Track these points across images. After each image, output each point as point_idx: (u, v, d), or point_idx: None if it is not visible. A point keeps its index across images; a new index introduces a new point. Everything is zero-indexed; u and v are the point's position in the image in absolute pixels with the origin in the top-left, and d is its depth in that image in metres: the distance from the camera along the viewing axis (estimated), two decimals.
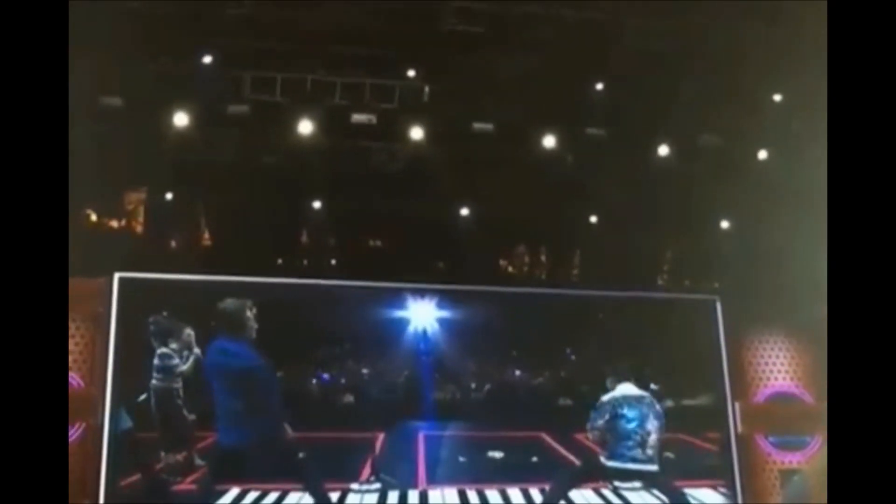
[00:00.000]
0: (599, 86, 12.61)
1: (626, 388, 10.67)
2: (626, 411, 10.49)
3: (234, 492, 10.24)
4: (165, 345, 10.02)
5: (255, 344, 9.21)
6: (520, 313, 12.34)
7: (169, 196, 13.53)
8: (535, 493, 10.75)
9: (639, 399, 10.64)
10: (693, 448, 12.18)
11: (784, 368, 12.46)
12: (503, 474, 11.19)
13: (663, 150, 12.72)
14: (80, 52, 9.06)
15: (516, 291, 13.11)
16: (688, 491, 11.59)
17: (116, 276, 10.80)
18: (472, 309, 12.73)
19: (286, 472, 9.48)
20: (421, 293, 12.32)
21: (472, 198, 13.50)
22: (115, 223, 13.76)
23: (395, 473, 10.65)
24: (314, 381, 12.51)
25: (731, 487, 11.91)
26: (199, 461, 10.17)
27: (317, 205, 13.75)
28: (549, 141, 12.70)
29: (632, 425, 10.43)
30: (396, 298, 11.91)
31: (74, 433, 10.45)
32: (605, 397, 10.54)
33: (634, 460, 10.38)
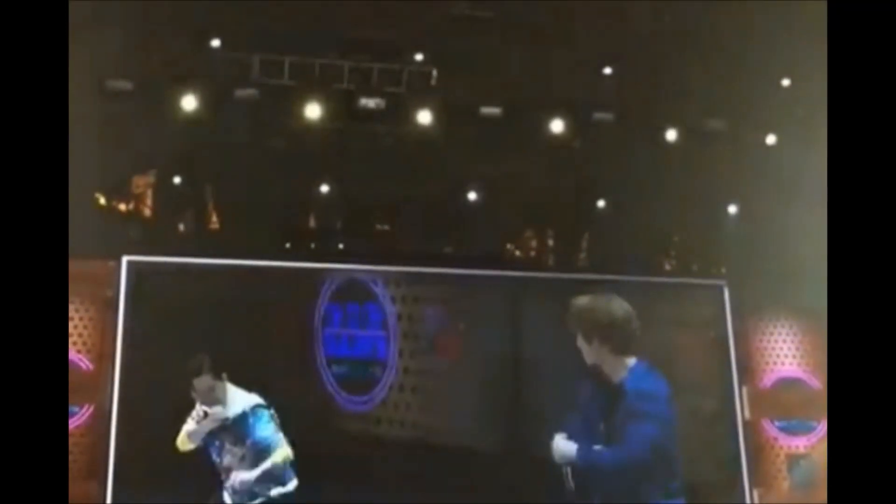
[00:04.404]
0: (607, 70, 12.59)
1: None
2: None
3: None
4: None
5: None
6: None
7: (177, 179, 13.57)
8: None
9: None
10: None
11: (791, 353, 12.45)
12: None
13: (671, 135, 12.69)
14: (90, 36, 9.10)
15: (524, 276, 13.15)
16: None
17: (125, 259, 10.85)
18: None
19: None
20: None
21: (479, 182, 13.51)
22: (123, 206, 13.82)
23: None
24: None
25: (739, 471, 11.93)
26: None
27: (325, 188, 13.77)
28: (557, 125, 12.68)
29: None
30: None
31: (83, 415, 10.52)
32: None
33: None
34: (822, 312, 4.11)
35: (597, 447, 4.87)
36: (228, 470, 7.26)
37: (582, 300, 5.06)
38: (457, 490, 11.41)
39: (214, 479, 7.49)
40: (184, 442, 7.33)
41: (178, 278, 11.50)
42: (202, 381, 7.09)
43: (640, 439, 4.76)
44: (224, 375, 7.22)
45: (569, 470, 4.93)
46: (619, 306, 5.01)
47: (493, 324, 13.16)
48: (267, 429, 7.14)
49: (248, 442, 7.15)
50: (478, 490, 11.43)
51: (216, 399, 7.15)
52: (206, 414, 7.18)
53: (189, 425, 7.29)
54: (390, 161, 13.07)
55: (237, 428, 7.17)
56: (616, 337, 4.94)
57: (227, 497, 7.34)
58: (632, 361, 4.98)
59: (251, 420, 7.12)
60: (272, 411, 7.29)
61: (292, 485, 7.33)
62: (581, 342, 5.01)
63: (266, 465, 7.09)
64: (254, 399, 7.25)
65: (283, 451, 7.16)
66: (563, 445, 4.94)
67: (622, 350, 4.96)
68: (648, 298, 12.66)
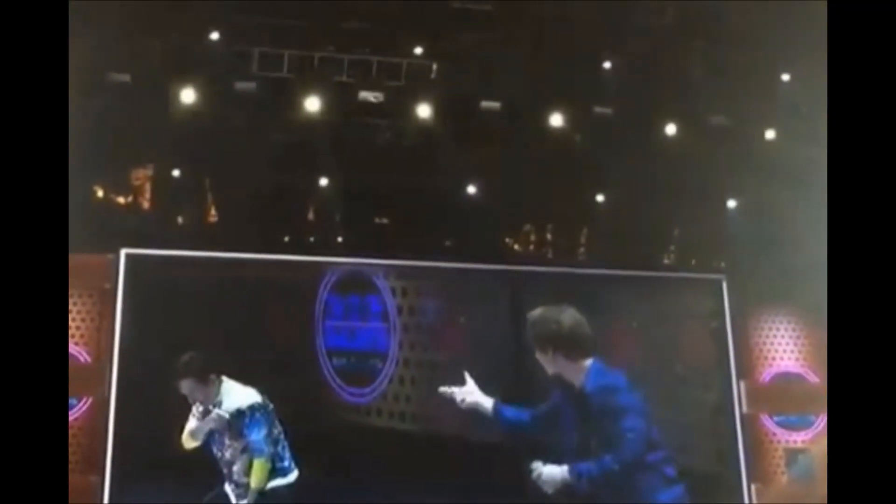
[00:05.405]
0: (607, 64, 12.58)
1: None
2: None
3: None
4: None
5: None
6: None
7: (176, 172, 13.56)
8: None
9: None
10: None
11: (789, 349, 12.45)
12: None
13: (670, 129, 12.69)
14: (89, 28, 9.08)
15: (522, 270, 13.14)
16: None
17: (123, 252, 10.84)
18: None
19: None
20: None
21: (478, 176, 13.51)
22: (122, 199, 13.82)
23: None
24: None
25: (737, 466, 11.94)
26: None
27: (323, 182, 13.76)
28: (557, 119, 12.68)
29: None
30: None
31: (81, 408, 10.53)
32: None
33: None
34: (821, 308, 4.11)
35: (588, 464, 4.91)
36: (230, 464, 7.27)
37: (534, 314, 5.21)
38: (457, 482, 11.43)
39: (214, 471, 7.50)
40: (187, 440, 7.34)
41: (177, 271, 11.51)
42: (184, 385, 7.15)
43: (630, 432, 4.87)
44: (212, 376, 7.21)
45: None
46: (567, 316, 5.12)
47: (492, 317, 13.18)
48: (259, 433, 7.12)
49: (245, 440, 7.15)
50: (478, 482, 11.45)
51: (206, 397, 7.19)
52: (207, 412, 7.19)
53: (191, 423, 7.31)
54: (389, 154, 13.06)
55: (235, 423, 7.17)
56: (568, 345, 5.06)
57: (228, 490, 7.35)
58: (588, 363, 5.08)
59: (247, 420, 7.12)
60: (270, 408, 7.28)
61: (293, 476, 7.33)
62: (539, 354, 5.17)
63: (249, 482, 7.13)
64: (252, 396, 7.23)
65: (262, 467, 7.12)
66: (550, 472, 4.98)
67: (576, 356, 5.08)
68: (647, 293, 12.77)
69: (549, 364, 5.16)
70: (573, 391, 5.11)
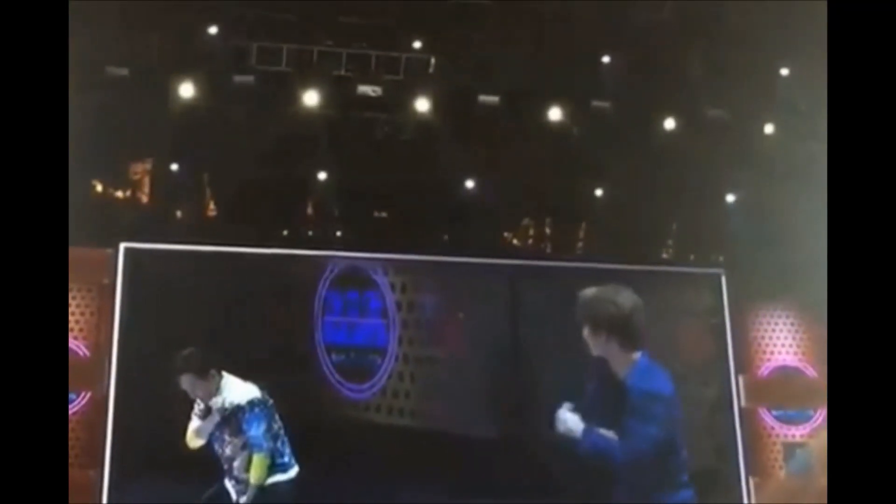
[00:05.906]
0: (606, 59, 12.58)
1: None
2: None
3: None
4: None
5: None
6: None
7: (174, 166, 13.55)
8: None
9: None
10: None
11: (788, 343, 12.47)
12: None
13: (669, 124, 12.69)
14: (87, 22, 9.07)
15: (521, 264, 13.14)
16: None
17: (122, 246, 10.85)
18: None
19: None
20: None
21: (477, 170, 13.50)
22: (120, 193, 13.81)
23: None
24: None
25: (735, 460, 11.95)
26: None
27: (322, 176, 13.75)
28: (555, 113, 12.67)
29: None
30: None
31: (80, 402, 10.54)
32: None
33: None
34: (819, 302, 4.09)
35: (605, 433, 4.80)
36: (230, 460, 7.27)
37: (589, 292, 4.96)
38: (456, 477, 11.44)
39: (214, 467, 7.50)
40: (192, 439, 7.35)
41: (176, 265, 11.50)
42: (184, 380, 7.15)
43: (646, 439, 4.71)
44: (213, 372, 7.21)
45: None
46: (626, 298, 4.91)
47: (491, 311, 13.17)
48: (259, 428, 7.12)
49: (244, 435, 7.15)
50: (477, 477, 11.45)
51: (206, 392, 7.20)
52: (208, 409, 7.19)
53: (194, 423, 7.31)
54: (388, 149, 13.05)
55: (234, 419, 7.17)
56: (624, 331, 4.85)
57: (228, 486, 7.35)
58: (637, 356, 4.88)
59: (247, 415, 7.12)
60: (270, 403, 7.28)
61: (293, 472, 7.33)
62: (588, 334, 4.91)
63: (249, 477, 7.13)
64: (251, 392, 7.23)
65: (262, 462, 7.12)
66: (570, 418, 4.85)
67: (629, 345, 4.86)
68: (646, 287, 12.70)
69: (598, 347, 4.89)
70: (612, 379, 4.88)
